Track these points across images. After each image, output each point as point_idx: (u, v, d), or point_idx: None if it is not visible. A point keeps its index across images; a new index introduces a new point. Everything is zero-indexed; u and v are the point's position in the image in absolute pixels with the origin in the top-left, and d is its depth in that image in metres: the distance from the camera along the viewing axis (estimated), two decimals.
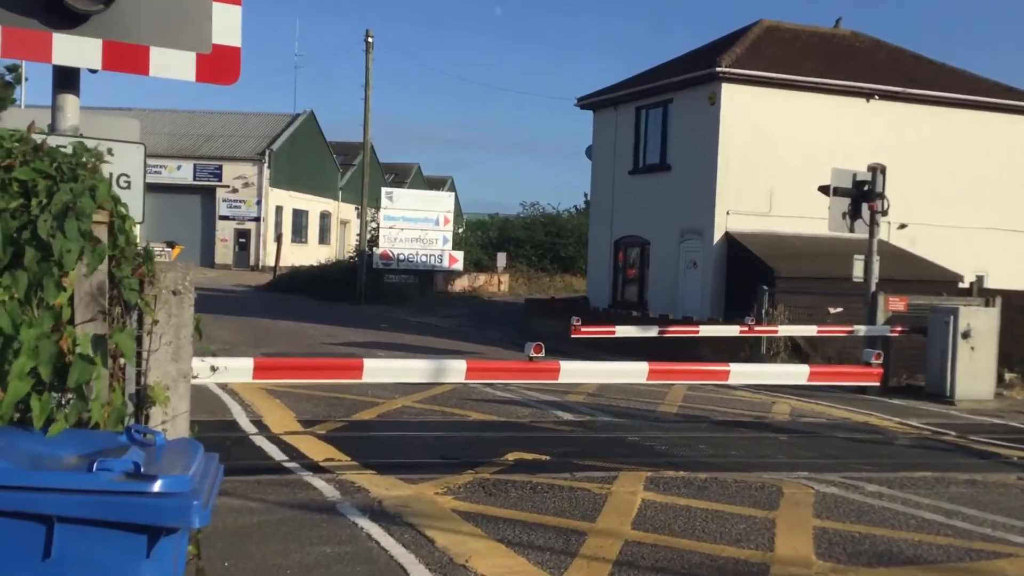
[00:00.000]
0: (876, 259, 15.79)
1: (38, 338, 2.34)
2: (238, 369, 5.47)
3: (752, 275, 19.61)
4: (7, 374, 2.33)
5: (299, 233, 56.82)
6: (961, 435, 11.52)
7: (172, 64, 4.65)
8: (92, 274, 2.59)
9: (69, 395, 2.42)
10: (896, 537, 6.37)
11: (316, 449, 8.83)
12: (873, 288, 15.75)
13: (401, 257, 34.67)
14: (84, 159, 2.62)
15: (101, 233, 2.58)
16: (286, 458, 8.44)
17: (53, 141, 3.16)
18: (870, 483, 8.11)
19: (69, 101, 4.48)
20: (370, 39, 35.32)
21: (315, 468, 7.98)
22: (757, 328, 16.44)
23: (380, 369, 6.62)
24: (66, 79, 4.54)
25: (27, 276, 2.37)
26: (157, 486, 2.04)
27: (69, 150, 2.84)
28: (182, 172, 51.47)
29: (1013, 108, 24.11)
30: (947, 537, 6.40)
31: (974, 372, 14.52)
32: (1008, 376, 16.31)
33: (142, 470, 2.06)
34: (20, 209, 2.41)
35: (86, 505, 1.99)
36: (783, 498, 7.41)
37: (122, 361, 2.70)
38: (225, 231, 52.56)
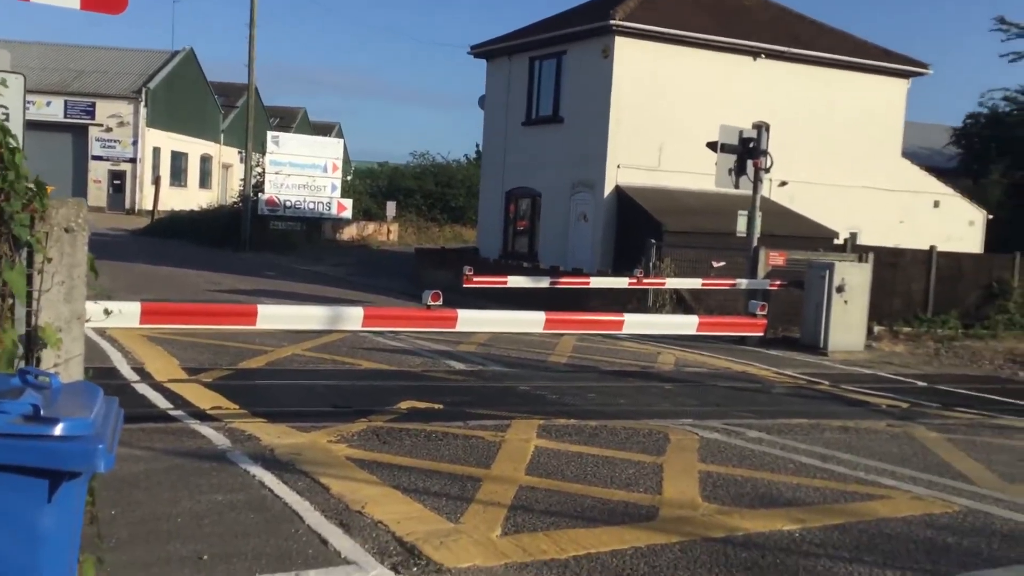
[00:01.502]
0: (759, 215, 16.30)
1: None
2: (125, 313, 5.26)
3: (641, 228, 19.98)
4: None
5: (178, 176, 54.71)
6: (834, 384, 12.10)
7: None
8: None
9: None
10: (776, 480, 6.66)
11: (203, 397, 8.62)
12: (755, 243, 16.28)
13: (288, 204, 33.86)
14: None
15: None
16: (171, 406, 8.21)
17: None
18: (750, 429, 8.45)
19: None
20: None
21: (202, 416, 7.80)
22: (645, 280, 16.79)
23: (275, 315, 6.48)
24: None
25: None
26: (58, 429, 1.95)
27: None
28: (52, 108, 48.70)
29: (890, 70, 25.09)
30: (824, 480, 6.73)
31: (847, 325, 15.23)
32: (877, 329, 17.19)
33: (42, 413, 1.96)
34: None
35: None
36: (670, 444, 7.65)
37: (11, 301, 2.56)
38: (99, 172, 50.15)
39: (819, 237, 20.01)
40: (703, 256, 18.66)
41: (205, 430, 7.24)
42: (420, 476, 6.29)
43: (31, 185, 2.64)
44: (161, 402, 8.38)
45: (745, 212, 16.49)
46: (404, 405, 8.80)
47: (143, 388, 8.97)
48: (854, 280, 15.25)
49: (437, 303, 6.73)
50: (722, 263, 18.50)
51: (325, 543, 4.94)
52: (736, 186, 16.25)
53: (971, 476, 7.11)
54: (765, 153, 16.00)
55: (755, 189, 16.11)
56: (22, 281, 2.54)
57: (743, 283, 15.74)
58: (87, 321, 2.80)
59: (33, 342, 2.66)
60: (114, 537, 4.79)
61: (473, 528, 5.30)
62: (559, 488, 6.19)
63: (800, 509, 5.94)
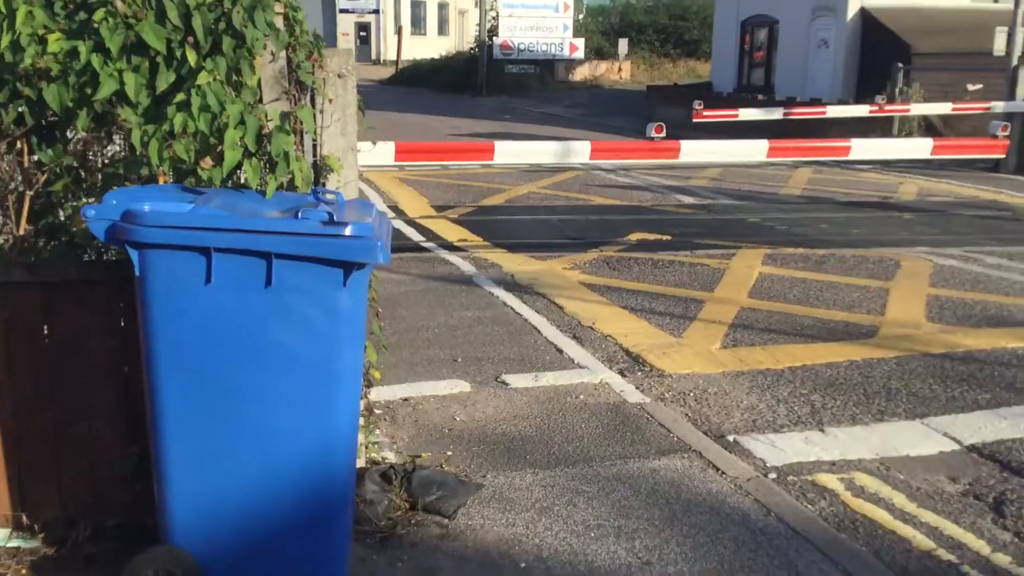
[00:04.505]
0: (1020, 31, 14.91)
1: (243, 112, 2.82)
2: (381, 151, 5.98)
3: (887, 53, 18.78)
4: (218, 146, 2.84)
5: (418, 25, 56.33)
6: None
7: None
8: (275, 60, 3.04)
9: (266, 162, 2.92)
10: (1008, 303, 6.60)
11: (450, 231, 9.47)
12: (1015, 62, 14.97)
13: (521, 47, 34.30)
14: None
15: (279, 24, 3.00)
16: (423, 238, 9.12)
17: None
18: (990, 256, 8.24)
19: None
20: None
21: (450, 247, 8.64)
22: (888, 107, 15.98)
23: (510, 151, 7.04)
24: None
25: (225, 61, 2.83)
26: (348, 230, 2.54)
27: None
28: None
29: None
30: None
31: None
32: None
33: (334, 218, 2.55)
34: (214, 3, 2.83)
35: (296, 244, 2.51)
36: (900, 270, 7.66)
37: (300, 136, 3.18)
38: (346, 25, 52.59)
39: None
40: (956, 79, 17.40)
41: (453, 259, 8.07)
42: (646, 298, 6.78)
43: (311, 39, 3.21)
44: (414, 235, 9.32)
45: (1005, 28, 15.12)
46: (634, 236, 9.25)
47: (398, 223, 9.95)
48: None
49: (660, 135, 7.01)
50: (978, 86, 17.20)
51: (560, 351, 5.58)
52: None
53: None
54: None
55: (1017, 1, 14.69)
56: (311, 118, 3.14)
57: (999, 106, 14.63)
58: (359, 152, 3.39)
59: (318, 170, 3.30)
60: (383, 343, 5.67)
61: (694, 342, 5.76)
62: (780, 310, 6.49)
63: None
